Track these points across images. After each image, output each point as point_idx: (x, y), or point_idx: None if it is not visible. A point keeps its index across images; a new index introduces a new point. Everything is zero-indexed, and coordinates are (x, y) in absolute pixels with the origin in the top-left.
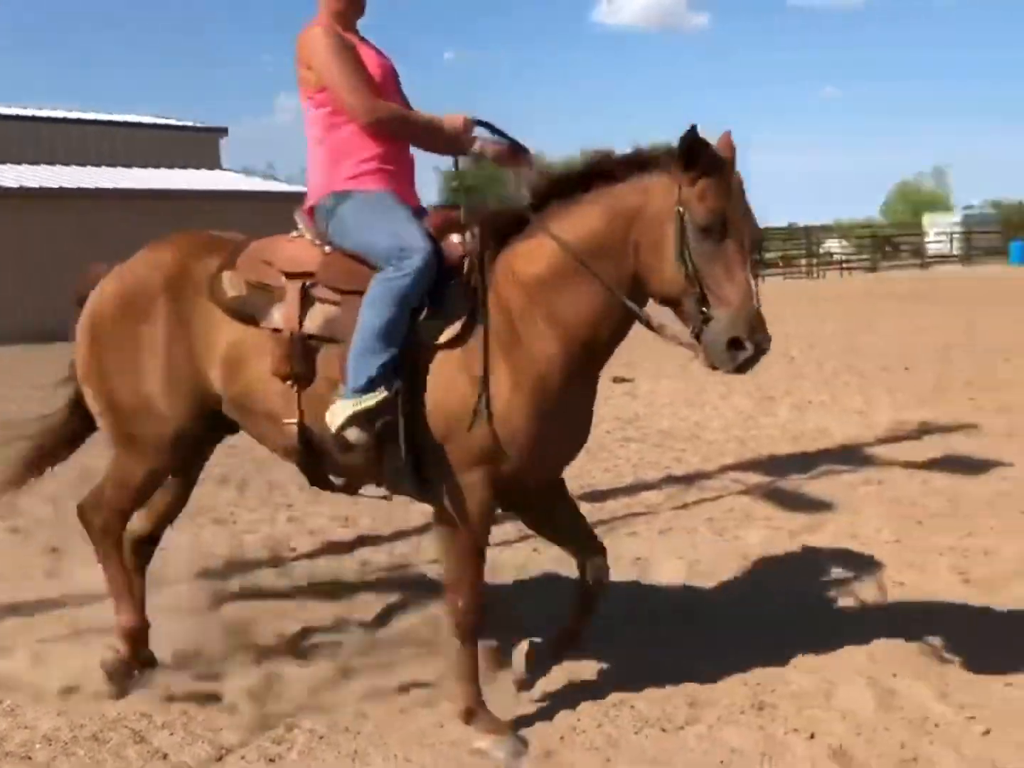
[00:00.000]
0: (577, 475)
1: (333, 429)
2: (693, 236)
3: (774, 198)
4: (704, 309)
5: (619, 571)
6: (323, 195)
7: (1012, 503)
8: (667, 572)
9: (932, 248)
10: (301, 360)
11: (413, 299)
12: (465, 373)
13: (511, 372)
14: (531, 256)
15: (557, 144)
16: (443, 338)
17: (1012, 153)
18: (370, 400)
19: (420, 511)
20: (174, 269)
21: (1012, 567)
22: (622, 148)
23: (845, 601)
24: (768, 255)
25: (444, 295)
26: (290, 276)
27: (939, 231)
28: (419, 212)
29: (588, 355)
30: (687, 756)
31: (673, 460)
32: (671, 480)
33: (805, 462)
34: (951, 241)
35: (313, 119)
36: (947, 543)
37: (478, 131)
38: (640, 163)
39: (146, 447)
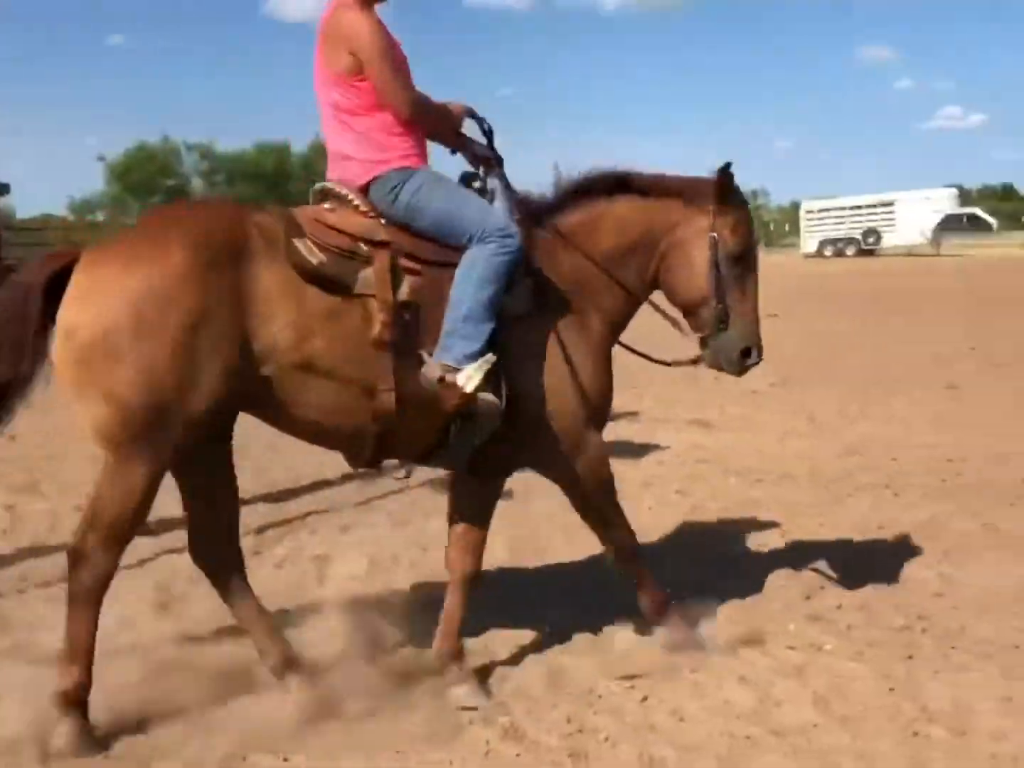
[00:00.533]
0: (257, 474)
1: (469, 390)
2: (723, 260)
3: None
4: (722, 321)
5: (298, 569)
6: (381, 172)
7: (665, 483)
8: (347, 568)
9: None
10: (397, 328)
11: (512, 275)
12: (552, 342)
13: (582, 343)
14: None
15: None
16: (523, 311)
17: (658, 162)
18: (487, 363)
19: None
20: (217, 243)
21: (668, 546)
22: None
23: (517, 584)
24: None
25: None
26: (371, 244)
27: None
28: None
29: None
30: None
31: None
32: (353, 477)
33: None
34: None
35: (352, 101)
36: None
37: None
38: (670, 188)
39: (158, 444)
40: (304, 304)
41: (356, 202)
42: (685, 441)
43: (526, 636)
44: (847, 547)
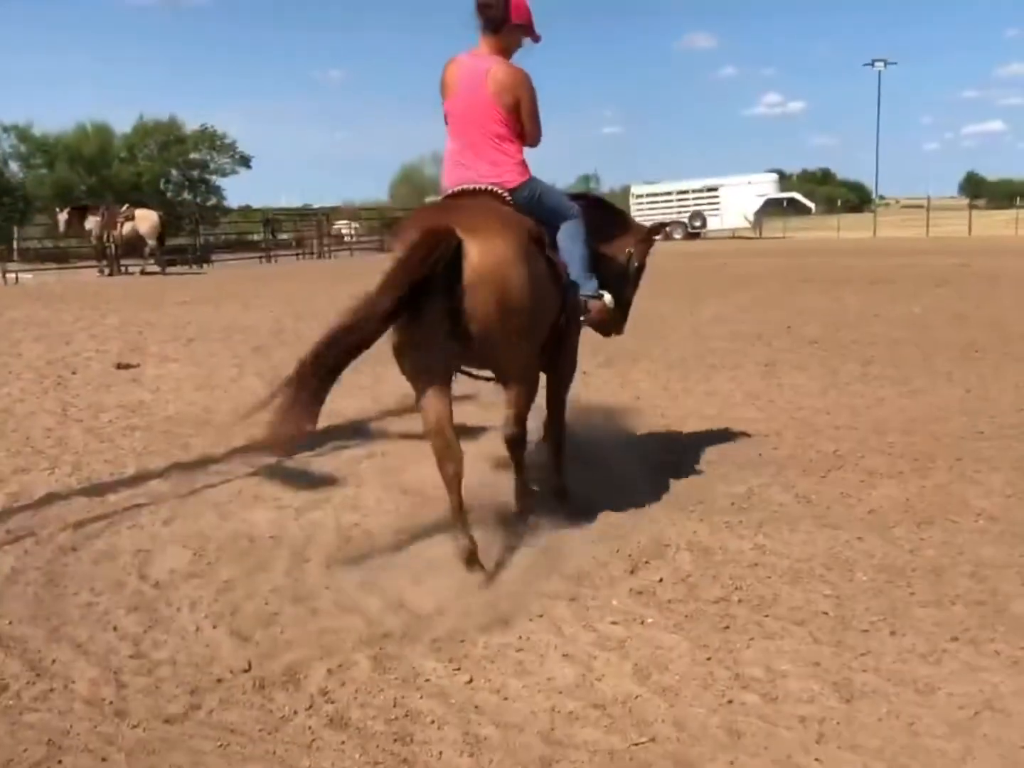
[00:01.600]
0: (74, 468)
1: (611, 305)
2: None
3: (288, 179)
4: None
5: (117, 567)
6: (524, 180)
7: (497, 464)
8: (170, 561)
9: None
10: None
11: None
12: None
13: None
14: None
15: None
16: None
17: None
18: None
19: None
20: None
21: (495, 524)
22: None
23: (346, 574)
24: (283, 236)
25: None
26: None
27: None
28: None
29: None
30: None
31: (180, 447)
32: (177, 468)
33: (314, 440)
34: None
35: (508, 130)
36: (441, 508)
37: None
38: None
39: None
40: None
41: (508, 199)
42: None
43: (354, 623)
44: (668, 521)
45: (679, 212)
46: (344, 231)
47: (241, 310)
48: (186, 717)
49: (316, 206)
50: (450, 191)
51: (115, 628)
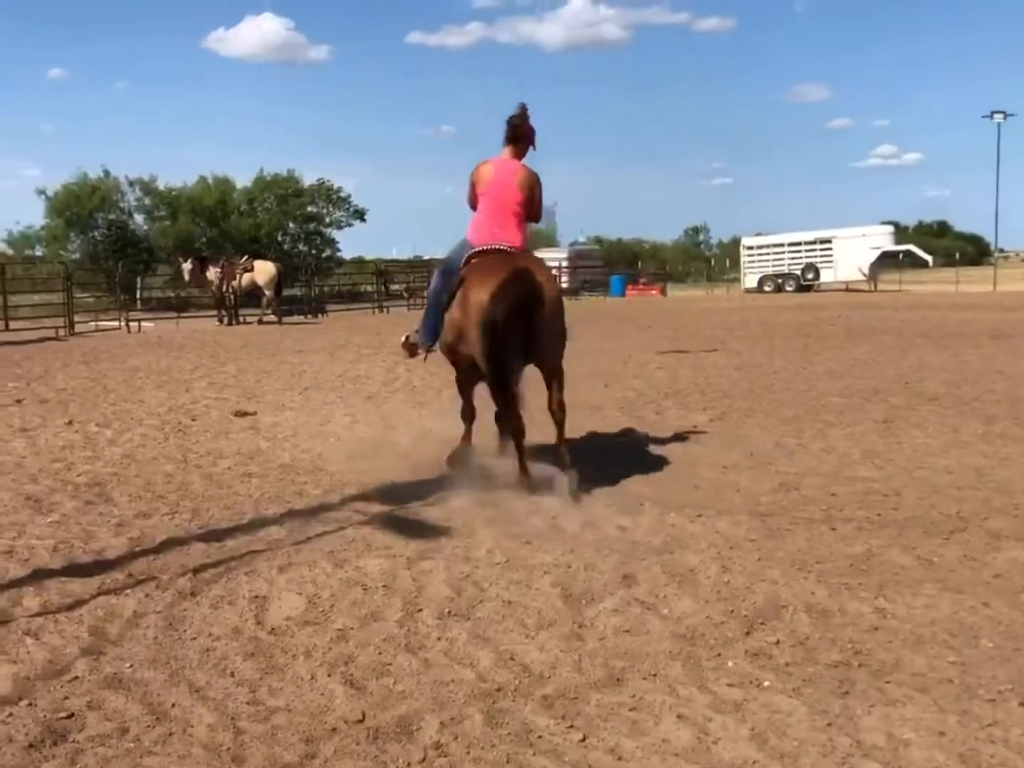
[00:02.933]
0: (194, 514)
1: None
2: None
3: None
4: None
5: (235, 613)
6: (524, 245)
7: (610, 518)
8: (285, 608)
9: None
10: None
11: None
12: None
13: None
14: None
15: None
16: None
17: (608, 197)
18: None
19: (18, 562)
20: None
21: (608, 578)
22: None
23: (457, 626)
24: (393, 286)
25: None
26: None
27: (550, 265)
28: None
29: None
30: None
31: (294, 494)
32: (292, 515)
33: (423, 489)
34: (560, 274)
35: (523, 210)
36: (550, 560)
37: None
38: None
39: None
40: None
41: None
42: (626, 477)
43: (466, 676)
44: (784, 582)
45: (791, 264)
46: None
47: (354, 359)
48: (301, 766)
49: (426, 257)
50: (485, 246)
51: (232, 674)
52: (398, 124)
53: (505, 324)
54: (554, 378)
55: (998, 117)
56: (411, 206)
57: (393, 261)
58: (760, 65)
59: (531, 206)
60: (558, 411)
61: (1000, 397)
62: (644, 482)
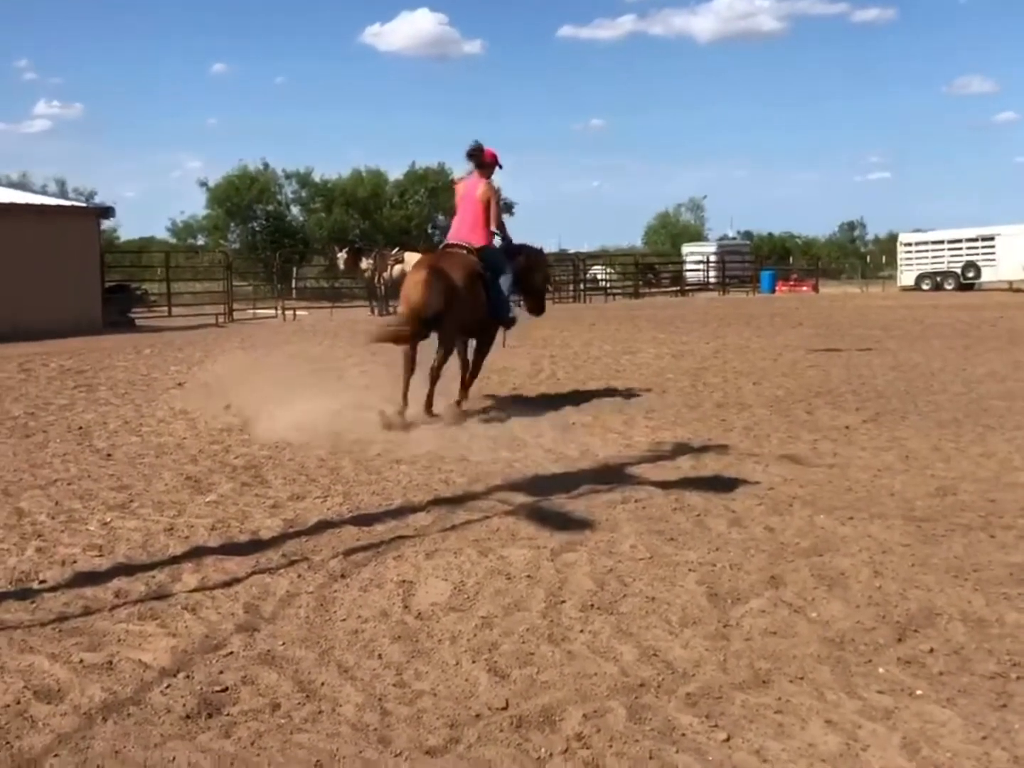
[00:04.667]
0: (345, 498)
1: (510, 322)
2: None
3: (545, 225)
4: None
5: (383, 596)
6: (482, 244)
7: (757, 517)
8: (432, 594)
9: (690, 276)
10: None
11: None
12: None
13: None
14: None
15: (335, 164)
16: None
17: (759, 190)
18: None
19: (178, 539)
20: (469, 265)
21: (755, 578)
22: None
23: (601, 619)
24: None
25: None
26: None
27: (696, 259)
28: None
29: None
30: None
31: (441, 482)
32: (439, 502)
33: (568, 482)
34: (707, 269)
35: (476, 211)
36: (695, 558)
37: None
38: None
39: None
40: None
41: (473, 253)
42: (774, 476)
43: (609, 669)
44: (939, 589)
45: (951, 262)
46: (600, 275)
47: (501, 352)
48: (446, 750)
49: (572, 251)
50: (449, 243)
51: (380, 656)
52: (546, 118)
53: (412, 298)
54: (442, 346)
55: None
56: (559, 199)
57: None
58: (921, 56)
59: (487, 213)
60: (436, 370)
61: None
62: (793, 482)
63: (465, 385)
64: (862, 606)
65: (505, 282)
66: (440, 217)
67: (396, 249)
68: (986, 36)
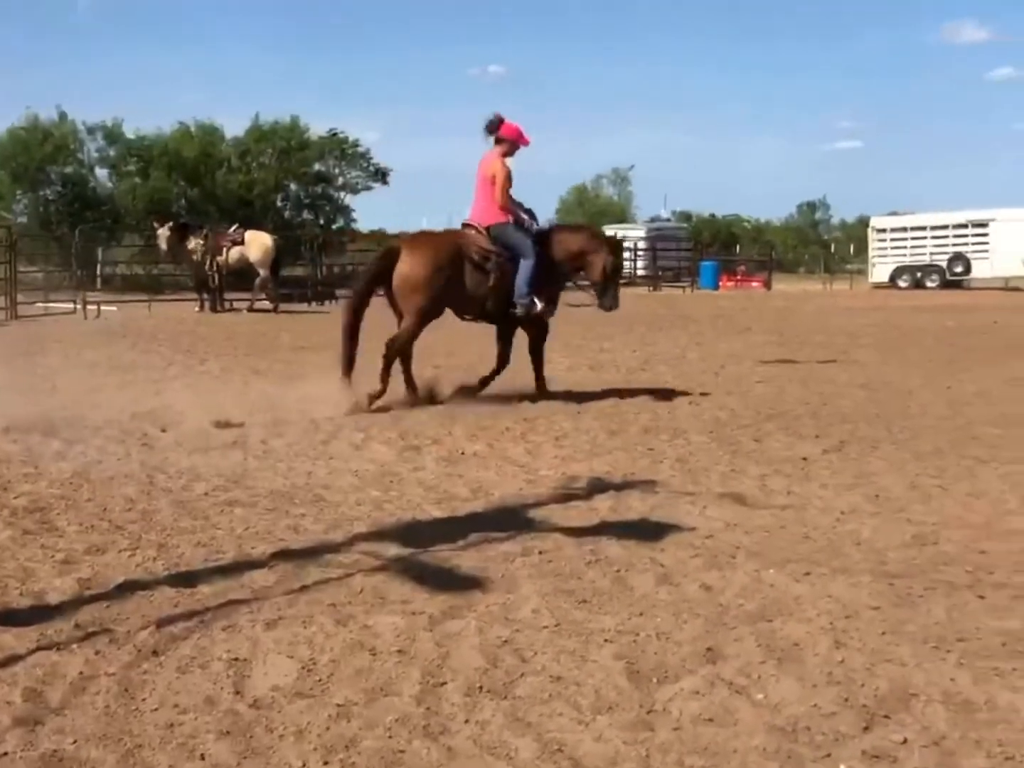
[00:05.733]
0: (160, 551)
1: (524, 309)
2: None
3: (429, 197)
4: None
5: (208, 679)
6: (493, 223)
7: (691, 572)
8: (272, 675)
9: None
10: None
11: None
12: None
13: (553, 281)
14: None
15: (153, 116)
16: None
17: (700, 160)
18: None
19: None
20: (448, 248)
21: (687, 651)
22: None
23: (491, 705)
24: None
25: None
26: (490, 251)
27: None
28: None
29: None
30: None
31: (289, 529)
32: (285, 556)
33: (454, 529)
34: (635, 258)
35: (487, 188)
36: (613, 625)
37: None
38: (591, 233)
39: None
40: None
41: (483, 233)
42: (714, 521)
43: None
44: (916, 663)
45: (934, 253)
46: None
47: (370, 359)
48: None
49: None
50: (464, 223)
51: (203, 756)
52: (433, 59)
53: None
54: (401, 323)
55: None
56: (448, 166)
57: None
58: None
59: (493, 189)
60: (392, 350)
61: None
62: (737, 528)
63: (539, 385)
64: (820, 685)
65: (525, 267)
66: (292, 186)
67: (235, 227)
68: None
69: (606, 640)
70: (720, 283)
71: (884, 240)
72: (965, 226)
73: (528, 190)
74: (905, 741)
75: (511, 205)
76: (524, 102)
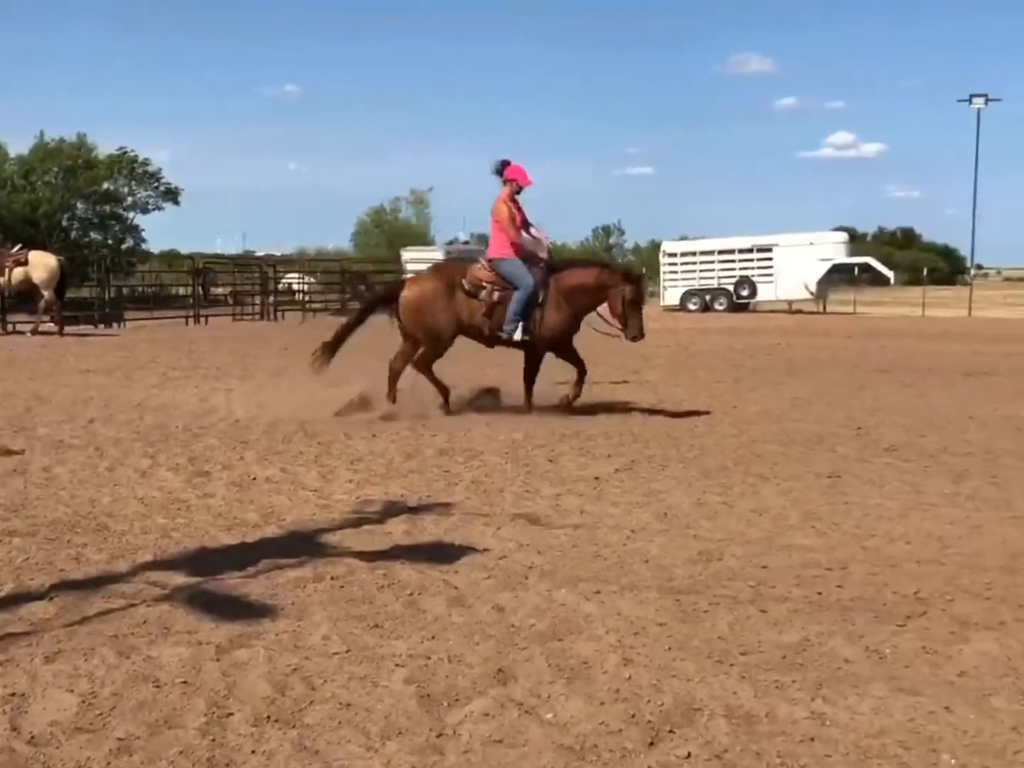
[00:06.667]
0: None
1: (507, 335)
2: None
3: (223, 218)
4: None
5: None
6: (495, 256)
7: (484, 594)
8: (51, 710)
9: None
10: (493, 309)
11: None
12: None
13: (556, 312)
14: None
15: None
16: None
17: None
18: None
19: None
20: (445, 279)
21: (478, 673)
22: None
23: (280, 735)
24: (217, 290)
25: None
26: (487, 281)
27: (420, 268)
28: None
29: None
30: None
31: (70, 559)
32: (65, 587)
33: (243, 556)
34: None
35: (494, 226)
36: (405, 649)
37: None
38: (606, 268)
39: (439, 344)
40: (467, 302)
41: (487, 266)
42: (507, 542)
43: None
44: (700, 678)
45: (722, 277)
46: (296, 285)
47: (159, 383)
48: None
49: (260, 253)
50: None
51: None
52: (227, 78)
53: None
54: (423, 356)
55: (978, 102)
56: (243, 187)
57: (217, 257)
58: (690, 29)
59: (497, 226)
60: (395, 371)
61: (973, 449)
62: (530, 548)
63: (527, 401)
64: (607, 703)
65: (518, 296)
66: (79, 205)
67: (18, 247)
68: (764, 8)
69: (397, 665)
70: None
71: (675, 264)
72: (751, 250)
73: (323, 211)
74: (689, 755)
75: (518, 240)
76: (321, 122)
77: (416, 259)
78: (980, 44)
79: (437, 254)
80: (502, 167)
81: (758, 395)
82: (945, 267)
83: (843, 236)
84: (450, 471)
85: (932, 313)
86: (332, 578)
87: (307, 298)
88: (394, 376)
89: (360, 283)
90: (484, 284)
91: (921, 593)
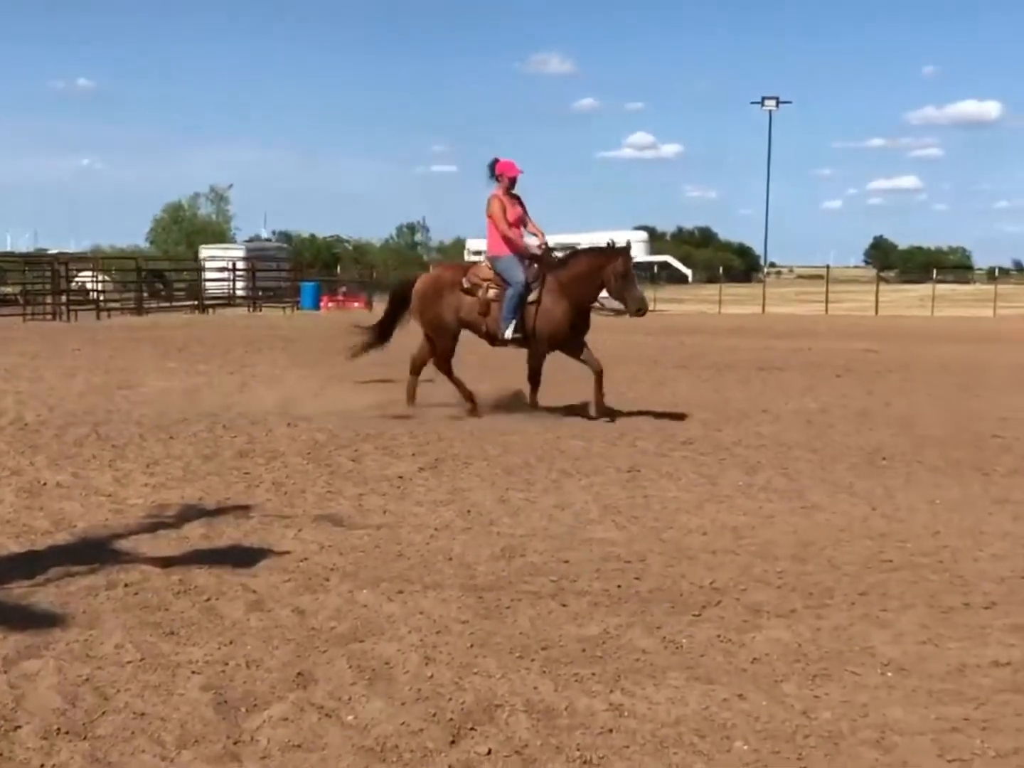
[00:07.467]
0: None
1: (502, 334)
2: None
3: (14, 216)
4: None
5: None
6: (492, 255)
7: (284, 597)
8: None
9: (211, 287)
10: (489, 307)
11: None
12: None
13: (552, 307)
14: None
15: None
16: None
17: (300, 180)
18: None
19: None
20: (446, 277)
21: (277, 677)
22: None
23: (70, 748)
24: (5, 289)
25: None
26: (484, 279)
27: (219, 266)
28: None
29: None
30: None
31: None
32: None
33: (32, 564)
34: (234, 279)
35: (489, 224)
36: (201, 656)
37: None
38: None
39: (442, 339)
40: (467, 300)
41: (485, 263)
42: (309, 543)
43: None
44: (501, 674)
45: None
46: (89, 284)
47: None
48: None
49: (53, 251)
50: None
51: None
52: (15, 75)
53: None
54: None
55: (769, 104)
56: (33, 183)
57: (6, 255)
58: (491, 28)
59: (492, 224)
60: (418, 366)
61: (766, 442)
62: (332, 549)
63: (532, 400)
64: (409, 703)
65: (509, 294)
66: None
67: None
68: (565, 6)
69: (193, 672)
70: (322, 304)
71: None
72: (553, 250)
73: (119, 209)
74: (489, 752)
75: (512, 237)
76: (114, 117)
77: (215, 256)
78: (772, 48)
79: (238, 252)
80: (493, 165)
81: (560, 392)
82: (741, 265)
83: (643, 235)
84: (250, 473)
85: (728, 310)
86: (126, 585)
87: (102, 297)
88: (415, 369)
89: (157, 280)
90: (481, 282)
91: (716, 583)
